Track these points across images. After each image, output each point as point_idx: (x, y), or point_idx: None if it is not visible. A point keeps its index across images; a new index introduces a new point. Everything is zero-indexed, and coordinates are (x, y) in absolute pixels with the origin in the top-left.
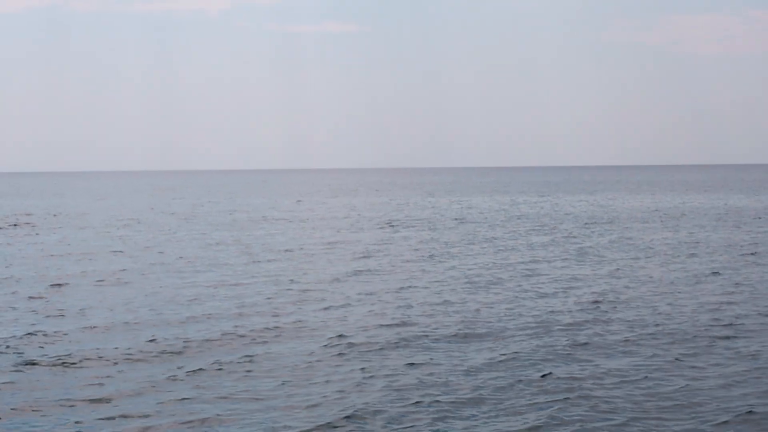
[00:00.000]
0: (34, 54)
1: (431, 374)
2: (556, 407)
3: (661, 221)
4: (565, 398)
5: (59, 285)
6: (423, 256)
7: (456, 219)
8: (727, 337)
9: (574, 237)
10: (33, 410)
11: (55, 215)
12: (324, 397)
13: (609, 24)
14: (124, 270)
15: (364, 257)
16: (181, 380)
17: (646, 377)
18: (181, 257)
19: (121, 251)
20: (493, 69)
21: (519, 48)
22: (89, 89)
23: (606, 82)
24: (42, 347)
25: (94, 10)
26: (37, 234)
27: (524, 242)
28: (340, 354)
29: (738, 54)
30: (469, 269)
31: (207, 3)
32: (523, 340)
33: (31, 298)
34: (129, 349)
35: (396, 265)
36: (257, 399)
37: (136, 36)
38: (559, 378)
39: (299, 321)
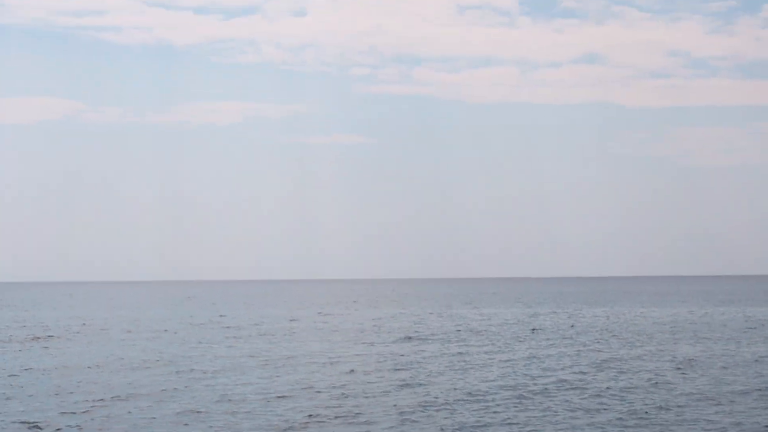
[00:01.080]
0: (48, 164)
1: None
2: None
3: (693, 333)
4: None
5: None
6: (458, 368)
7: (480, 330)
8: None
9: (600, 348)
10: None
11: (78, 330)
12: None
13: (616, 137)
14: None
15: (404, 369)
16: None
17: None
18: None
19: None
20: (502, 180)
21: (526, 160)
22: (100, 199)
23: (613, 193)
24: None
25: (106, 122)
26: (66, 347)
27: (555, 353)
28: None
29: (744, 165)
30: (514, 379)
31: (218, 116)
32: None
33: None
34: None
35: (432, 377)
36: None
37: (147, 146)
38: None
39: None
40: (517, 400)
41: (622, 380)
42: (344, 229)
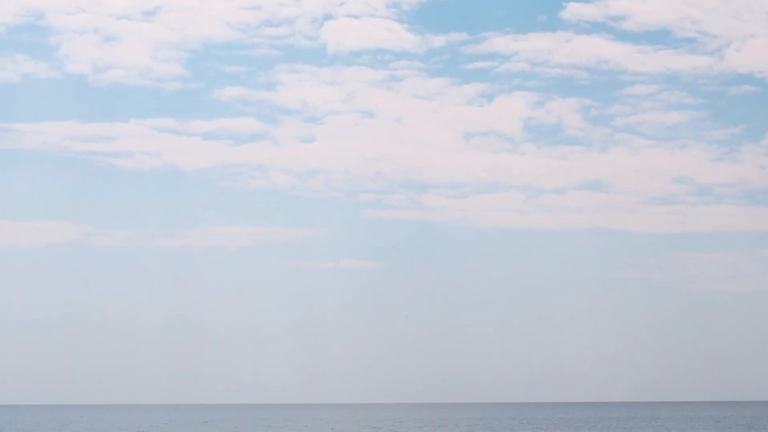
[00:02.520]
0: (56, 287)
1: None
2: None
3: None
4: None
5: None
6: None
7: None
8: None
9: None
10: None
11: None
12: None
13: (621, 262)
14: None
15: None
16: None
17: None
18: None
19: None
20: (509, 305)
21: (533, 284)
22: (108, 322)
23: (620, 319)
24: None
25: (114, 245)
26: None
27: None
28: None
29: (750, 291)
30: None
31: (227, 240)
32: None
33: None
34: None
35: None
36: None
37: (155, 269)
38: None
39: None
40: None
41: None
42: (352, 353)
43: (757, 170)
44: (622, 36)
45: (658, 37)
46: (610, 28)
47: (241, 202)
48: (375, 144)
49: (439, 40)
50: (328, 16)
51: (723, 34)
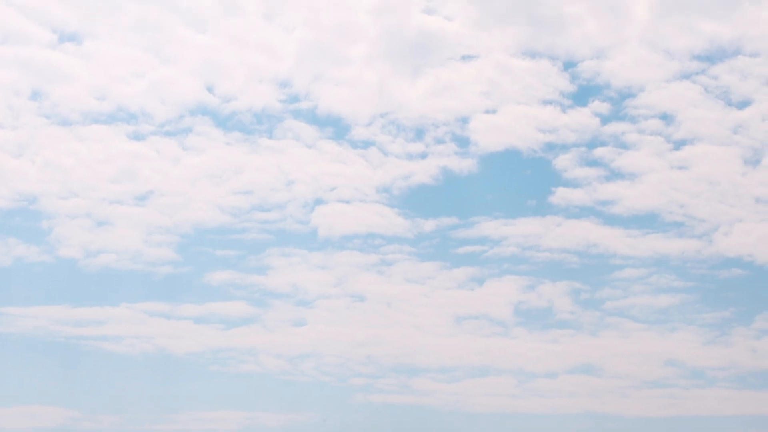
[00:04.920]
0: None
1: None
2: None
3: None
4: None
5: None
6: None
7: None
8: None
9: None
10: None
11: None
12: None
13: None
14: None
15: None
16: None
17: None
18: None
19: None
20: None
21: None
22: None
23: None
24: None
25: (102, 430)
26: None
27: None
28: None
29: None
30: None
31: (217, 425)
32: None
33: None
34: None
35: None
36: None
37: None
38: None
39: None
40: None
41: None
42: None
43: (749, 354)
44: (611, 220)
45: (647, 221)
46: (599, 212)
47: (230, 387)
48: (366, 328)
49: (429, 225)
50: (319, 201)
51: (711, 219)
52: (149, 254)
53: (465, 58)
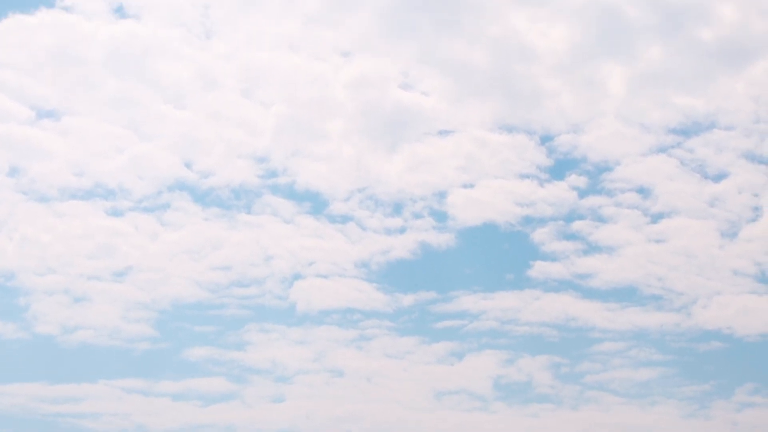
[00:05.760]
0: None
1: None
2: None
3: None
4: None
5: None
6: None
7: None
8: None
9: None
10: None
11: None
12: None
13: None
14: None
15: None
16: None
17: None
18: None
19: None
20: None
21: None
22: None
23: None
24: None
25: None
26: None
27: None
28: None
29: None
30: None
31: None
32: None
33: None
34: None
35: None
36: None
37: None
38: None
39: None
40: None
41: None
42: None
43: (730, 427)
44: (590, 293)
45: (625, 295)
46: (578, 285)
47: None
48: (345, 403)
49: (408, 299)
50: (297, 276)
51: (689, 292)
52: (127, 330)
53: (442, 132)
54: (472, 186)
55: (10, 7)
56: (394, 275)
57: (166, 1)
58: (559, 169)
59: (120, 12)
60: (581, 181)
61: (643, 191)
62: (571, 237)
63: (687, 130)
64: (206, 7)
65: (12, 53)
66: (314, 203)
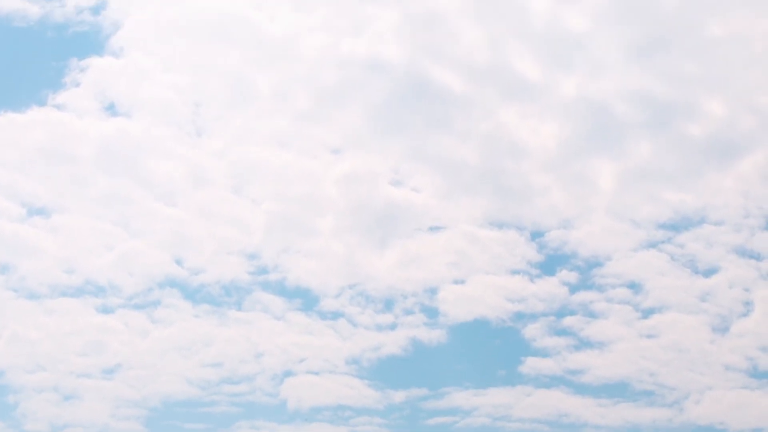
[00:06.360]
0: None
1: None
2: None
3: None
4: None
5: None
6: None
7: None
8: None
9: None
10: None
11: None
12: None
13: None
14: None
15: None
16: None
17: None
18: None
19: None
20: None
21: None
22: None
23: None
24: None
25: None
26: None
27: None
28: None
29: None
30: None
31: None
32: None
33: None
34: None
35: None
36: None
37: None
38: None
39: None
40: None
41: None
42: None
43: None
44: (581, 389)
45: (617, 390)
46: (569, 381)
47: None
48: None
49: (399, 396)
50: (288, 373)
51: (681, 387)
52: (117, 428)
53: (432, 229)
54: (462, 282)
55: (1, 105)
56: (385, 372)
57: (157, 99)
58: (550, 264)
59: (111, 110)
60: (572, 277)
61: (633, 286)
62: (563, 332)
63: (677, 226)
64: (197, 105)
65: (3, 151)
66: (305, 300)
